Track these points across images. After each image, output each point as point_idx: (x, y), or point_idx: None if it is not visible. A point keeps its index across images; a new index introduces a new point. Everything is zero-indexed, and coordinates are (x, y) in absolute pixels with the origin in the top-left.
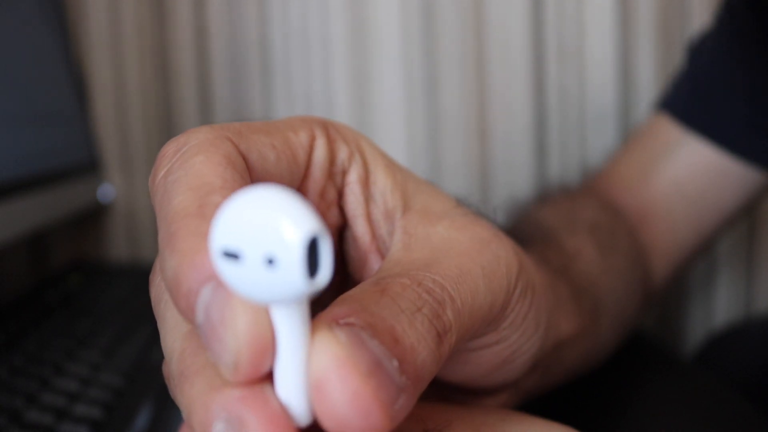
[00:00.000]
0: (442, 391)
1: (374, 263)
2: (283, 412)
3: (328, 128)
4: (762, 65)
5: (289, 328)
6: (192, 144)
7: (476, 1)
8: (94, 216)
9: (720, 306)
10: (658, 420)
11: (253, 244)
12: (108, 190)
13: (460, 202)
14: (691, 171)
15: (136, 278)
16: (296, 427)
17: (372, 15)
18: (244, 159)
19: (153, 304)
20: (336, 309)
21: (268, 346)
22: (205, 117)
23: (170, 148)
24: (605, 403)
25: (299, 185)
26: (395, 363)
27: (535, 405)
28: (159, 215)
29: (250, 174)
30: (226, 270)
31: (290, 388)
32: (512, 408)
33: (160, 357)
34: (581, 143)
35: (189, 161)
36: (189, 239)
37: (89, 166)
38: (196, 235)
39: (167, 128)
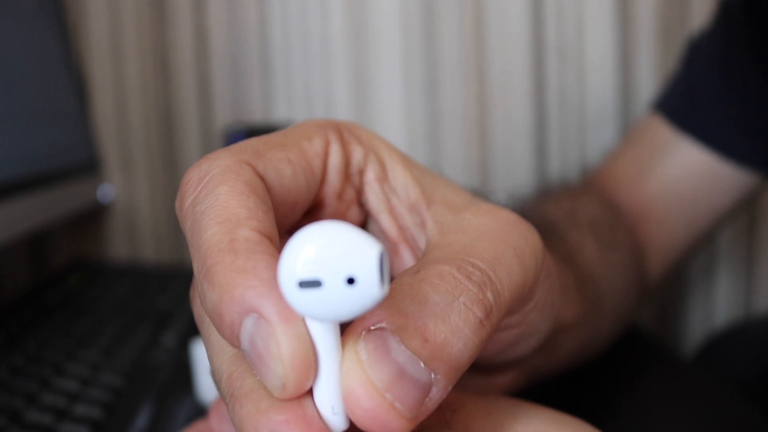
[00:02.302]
0: None
1: (404, 252)
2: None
3: (342, 132)
4: (755, 68)
5: (324, 346)
6: (214, 173)
7: (476, 1)
8: (94, 216)
9: (720, 306)
10: (658, 419)
11: (334, 270)
12: (108, 190)
13: (476, 194)
14: (684, 173)
15: (136, 278)
16: None
17: (372, 15)
18: (263, 179)
19: (196, 322)
20: (371, 312)
21: (310, 367)
22: (205, 117)
23: (193, 175)
24: (606, 401)
25: (317, 191)
26: (422, 365)
27: (539, 401)
28: (191, 245)
29: (269, 192)
30: (303, 299)
31: (327, 397)
32: (519, 388)
33: (160, 357)
34: (581, 143)
35: (213, 192)
36: (226, 275)
37: (89, 166)
38: (232, 270)
39: (167, 128)
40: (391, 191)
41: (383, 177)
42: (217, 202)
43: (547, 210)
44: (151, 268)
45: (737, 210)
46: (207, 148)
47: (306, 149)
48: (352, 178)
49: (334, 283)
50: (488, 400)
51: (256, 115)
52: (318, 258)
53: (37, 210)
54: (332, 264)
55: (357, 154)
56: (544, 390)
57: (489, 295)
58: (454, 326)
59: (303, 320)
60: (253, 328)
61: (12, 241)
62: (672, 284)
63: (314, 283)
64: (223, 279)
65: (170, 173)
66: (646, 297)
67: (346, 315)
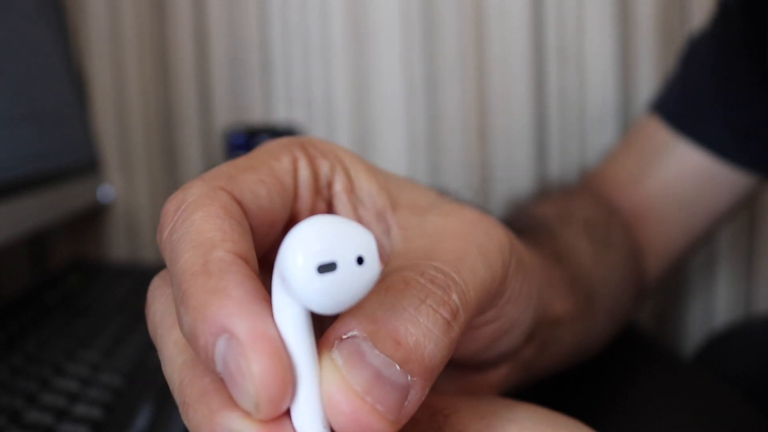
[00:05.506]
0: (446, 370)
1: None
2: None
3: (306, 147)
4: (753, 70)
5: (303, 361)
6: (189, 201)
7: (476, 1)
8: (94, 216)
9: (720, 306)
10: (658, 419)
11: (347, 251)
12: (108, 190)
13: (442, 193)
14: (681, 175)
15: (136, 278)
16: None
17: (372, 15)
18: (239, 202)
19: (151, 336)
20: (341, 322)
21: (285, 385)
22: (205, 117)
23: (171, 206)
24: (605, 401)
25: (291, 208)
26: (398, 367)
27: (537, 402)
28: (171, 273)
29: (246, 215)
30: (319, 284)
31: (310, 414)
32: (514, 383)
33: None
34: (581, 143)
35: (189, 219)
36: (199, 296)
37: (89, 166)
38: (205, 291)
39: (167, 128)
40: (358, 201)
41: (350, 188)
42: (192, 228)
43: (539, 210)
44: (151, 268)
45: (735, 211)
46: (207, 148)
47: (276, 168)
48: (321, 191)
49: (347, 263)
50: (482, 402)
51: (256, 115)
52: (332, 241)
53: (37, 210)
54: (344, 246)
55: (324, 168)
56: (542, 389)
57: (454, 296)
58: (424, 328)
59: (278, 337)
60: (225, 348)
61: (12, 241)
62: (672, 284)
63: (330, 266)
64: (196, 301)
65: (170, 173)
66: (644, 297)
67: (353, 298)
